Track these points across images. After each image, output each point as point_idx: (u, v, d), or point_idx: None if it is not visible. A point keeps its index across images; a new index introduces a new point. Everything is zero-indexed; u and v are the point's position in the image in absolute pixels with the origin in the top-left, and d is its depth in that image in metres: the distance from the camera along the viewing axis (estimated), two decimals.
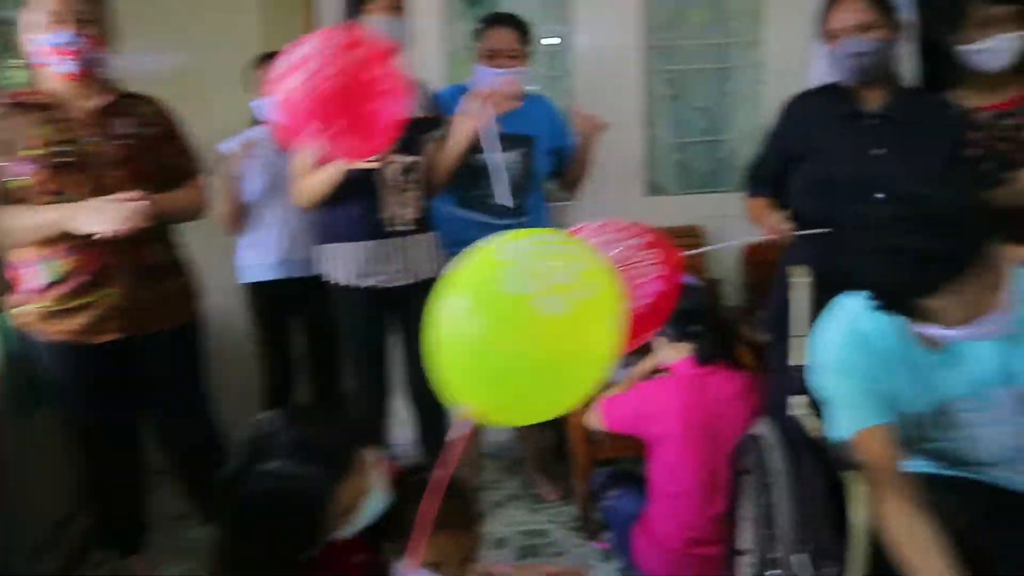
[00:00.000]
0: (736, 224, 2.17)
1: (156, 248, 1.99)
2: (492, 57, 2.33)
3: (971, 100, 2.07)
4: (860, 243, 1.18)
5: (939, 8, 2.25)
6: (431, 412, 2.35)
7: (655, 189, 3.08)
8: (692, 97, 3.08)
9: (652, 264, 1.43)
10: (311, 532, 1.17)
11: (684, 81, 3.06)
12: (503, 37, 2.33)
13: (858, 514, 1.21)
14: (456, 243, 2.47)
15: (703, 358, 2.00)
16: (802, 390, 1.53)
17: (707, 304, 2.11)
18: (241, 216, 2.56)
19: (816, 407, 1.46)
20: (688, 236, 2.88)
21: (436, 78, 2.78)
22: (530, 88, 2.56)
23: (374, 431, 2.30)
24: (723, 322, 2.15)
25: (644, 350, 2.19)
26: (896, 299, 1.16)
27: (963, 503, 1.27)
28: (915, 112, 1.89)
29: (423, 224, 2.22)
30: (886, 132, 1.86)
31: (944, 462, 1.34)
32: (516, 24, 2.37)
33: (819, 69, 2.05)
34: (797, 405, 1.51)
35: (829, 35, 1.90)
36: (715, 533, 1.90)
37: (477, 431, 2.70)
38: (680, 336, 2.03)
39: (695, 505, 1.94)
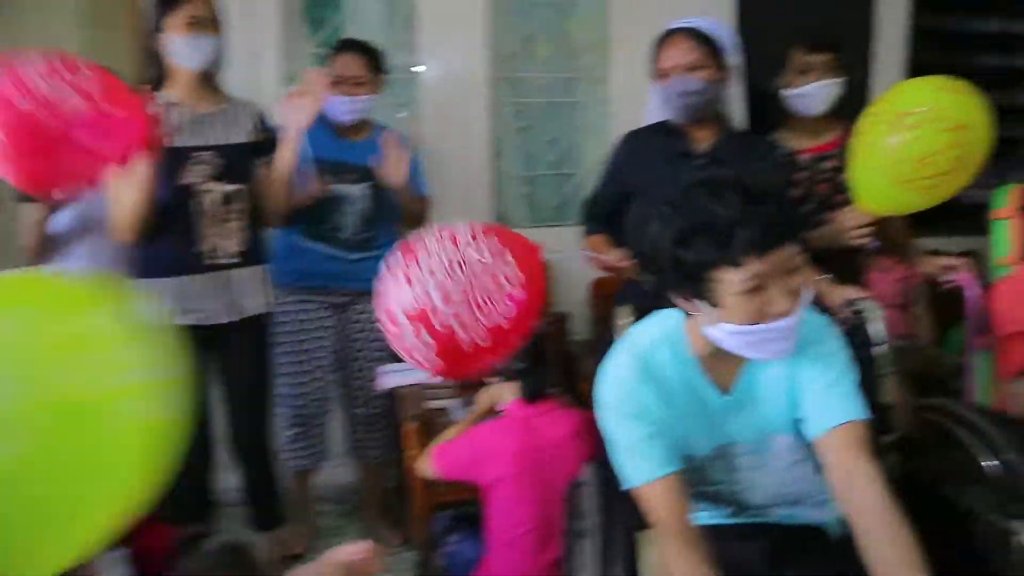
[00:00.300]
0: (583, 258, 2.14)
1: None
2: (338, 84, 2.24)
3: (794, 143, 2.15)
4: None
5: (764, 53, 2.34)
6: (256, 461, 2.19)
7: (502, 221, 3.04)
8: (541, 130, 3.07)
9: (509, 271, 1.37)
10: None
11: (533, 114, 3.05)
12: (350, 64, 2.26)
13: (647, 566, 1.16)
14: (304, 276, 2.36)
15: (529, 396, 1.96)
16: None
17: (533, 340, 2.06)
18: (48, 248, 2.32)
19: None
20: None
21: (275, 99, 2.65)
22: (380, 119, 2.50)
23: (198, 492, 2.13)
24: (549, 358, 2.10)
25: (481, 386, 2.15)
26: (696, 273, 1.10)
27: (745, 549, 1.25)
28: (742, 153, 1.94)
29: (250, 256, 2.08)
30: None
31: (722, 505, 1.32)
32: (364, 51, 2.30)
33: (654, 107, 2.07)
34: None
35: (660, 74, 1.93)
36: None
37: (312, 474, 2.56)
38: (507, 374, 1.99)
39: (530, 551, 1.89)
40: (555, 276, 2.86)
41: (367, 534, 2.59)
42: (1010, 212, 1.98)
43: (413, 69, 2.90)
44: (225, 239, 2.03)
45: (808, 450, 1.25)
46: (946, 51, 3.41)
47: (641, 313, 1.66)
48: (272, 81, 2.68)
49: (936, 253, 2.16)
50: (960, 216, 2.54)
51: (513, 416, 1.97)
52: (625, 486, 1.22)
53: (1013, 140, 3.50)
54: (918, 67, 3.27)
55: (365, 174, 2.32)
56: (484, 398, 2.14)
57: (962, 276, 1.96)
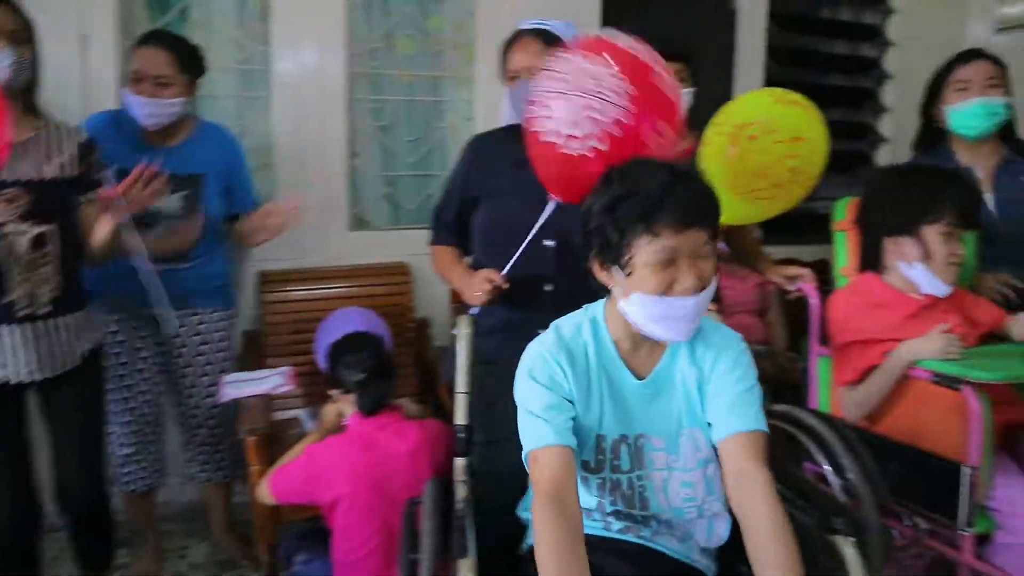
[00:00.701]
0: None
1: None
2: (138, 81, 2.02)
3: None
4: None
5: None
6: (87, 521, 2.00)
7: (360, 224, 2.92)
8: (403, 130, 2.97)
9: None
10: None
11: (395, 112, 2.94)
12: (153, 59, 2.03)
13: None
14: (120, 295, 2.14)
15: (366, 410, 1.88)
16: (464, 452, 1.43)
17: (373, 350, 1.98)
18: None
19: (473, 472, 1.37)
20: (396, 273, 2.78)
21: (107, 88, 2.42)
22: (209, 117, 2.32)
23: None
24: (396, 370, 2.02)
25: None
26: (617, 240, 1.18)
27: (621, 568, 1.23)
28: None
29: (68, 303, 1.82)
30: None
31: (621, 502, 1.29)
32: (173, 46, 2.07)
33: (506, 110, 2.02)
34: (456, 468, 1.40)
35: (509, 76, 1.88)
36: None
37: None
38: (345, 388, 1.91)
39: (375, 571, 1.82)
40: (416, 280, 2.80)
41: (216, 553, 2.46)
42: (846, 225, 2.05)
43: (246, 59, 2.73)
44: (38, 286, 1.76)
45: (711, 451, 1.29)
46: (799, 69, 3.59)
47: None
48: (106, 66, 2.44)
49: (792, 261, 2.21)
50: (815, 226, 2.64)
51: (352, 431, 1.89)
52: (524, 449, 1.23)
53: (857, 155, 3.73)
54: (773, 83, 3.39)
55: (179, 182, 2.10)
56: (330, 411, 2.03)
57: (805, 285, 2.01)
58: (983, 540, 1.63)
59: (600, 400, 1.29)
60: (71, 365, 1.84)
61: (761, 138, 1.77)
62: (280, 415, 2.37)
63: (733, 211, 1.84)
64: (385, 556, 1.81)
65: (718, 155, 1.84)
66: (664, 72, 1.46)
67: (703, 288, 1.18)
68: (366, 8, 2.83)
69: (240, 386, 2.17)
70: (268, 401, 2.17)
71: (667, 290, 1.17)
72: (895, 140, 3.65)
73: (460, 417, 1.45)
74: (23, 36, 1.74)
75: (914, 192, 1.84)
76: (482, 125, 2.83)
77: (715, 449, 1.26)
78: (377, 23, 2.86)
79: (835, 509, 1.23)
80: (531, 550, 1.13)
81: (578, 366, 1.28)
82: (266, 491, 1.89)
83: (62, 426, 1.91)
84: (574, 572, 1.05)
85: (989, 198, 2.14)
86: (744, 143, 1.79)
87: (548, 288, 1.79)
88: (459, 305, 2.75)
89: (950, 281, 1.80)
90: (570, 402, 1.25)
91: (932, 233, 1.79)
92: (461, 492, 1.35)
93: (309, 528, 2.07)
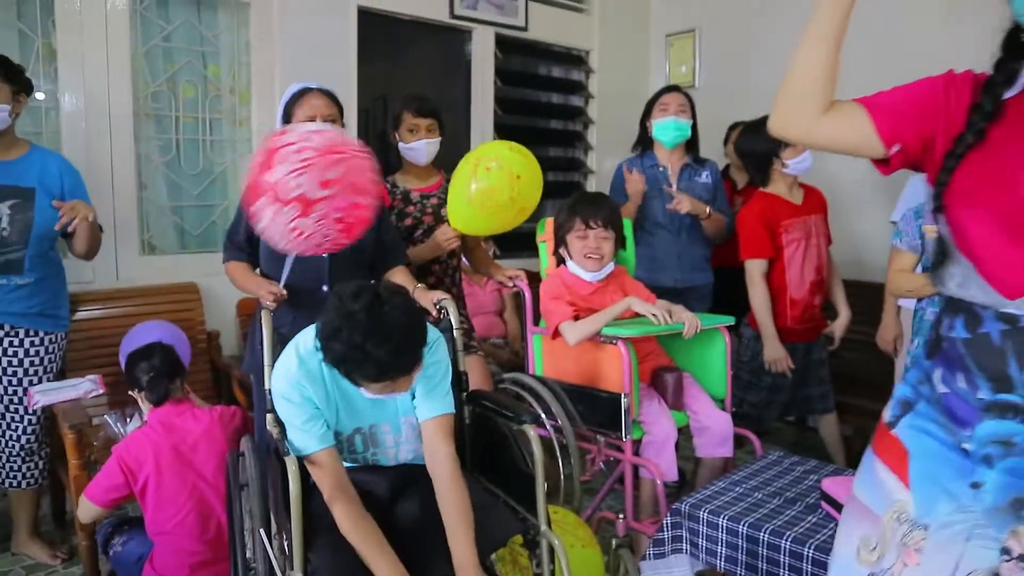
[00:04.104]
0: (228, 282, 2.32)
1: None
2: None
3: (407, 183, 2.72)
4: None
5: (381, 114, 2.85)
6: None
7: (151, 249, 3.22)
8: (186, 164, 3.30)
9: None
10: None
11: (178, 149, 3.27)
12: None
13: (293, 492, 1.54)
14: None
15: (155, 400, 2.23)
16: (272, 408, 1.88)
17: (161, 355, 2.31)
18: None
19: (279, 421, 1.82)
20: (185, 292, 3.10)
21: None
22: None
23: None
24: (179, 365, 2.35)
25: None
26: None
27: (373, 479, 1.73)
28: None
29: None
30: None
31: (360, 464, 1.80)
32: None
33: None
34: (269, 422, 1.86)
35: (305, 119, 2.24)
36: (217, 552, 2.14)
37: None
38: (138, 386, 2.26)
39: (190, 533, 2.13)
40: (204, 298, 3.14)
41: (18, 561, 2.59)
42: (545, 237, 2.77)
43: (38, 96, 2.92)
44: None
45: None
46: (523, 116, 4.37)
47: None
48: None
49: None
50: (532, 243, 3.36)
51: (151, 421, 2.22)
52: (295, 454, 1.58)
53: (573, 184, 4.60)
54: (502, 128, 4.17)
55: (8, 193, 2.33)
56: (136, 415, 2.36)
57: (521, 282, 2.69)
58: (637, 444, 2.38)
59: (333, 406, 1.66)
60: None
61: (494, 170, 2.38)
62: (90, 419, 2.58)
63: (474, 222, 2.46)
64: (198, 518, 2.14)
65: (464, 180, 2.43)
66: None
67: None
68: (149, 56, 3.16)
69: (51, 393, 2.42)
70: (79, 406, 2.41)
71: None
72: (599, 172, 4.57)
73: (268, 382, 1.87)
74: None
75: (563, 210, 2.55)
76: None
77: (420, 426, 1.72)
78: (159, 69, 3.20)
79: (523, 412, 1.82)
80: None
81: (315, 382, 1.62)
82: (87, 505, 2.15)
83: None
84: (370, 533, 1.54)
85: (675, 188, 3.07)
86: (482, 171, 2.40)
87: (325, 289, 2.15)
88: (244, 318, 3.16)
89: (592, 268, 2.48)
90: (318, 410, 1.62)
91: (571, 238, 2.50)
92: (276, 431, 1.79)
93: (121, 517, 2.36)
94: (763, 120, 1.19)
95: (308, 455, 1.61)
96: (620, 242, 2.57)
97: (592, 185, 4.60)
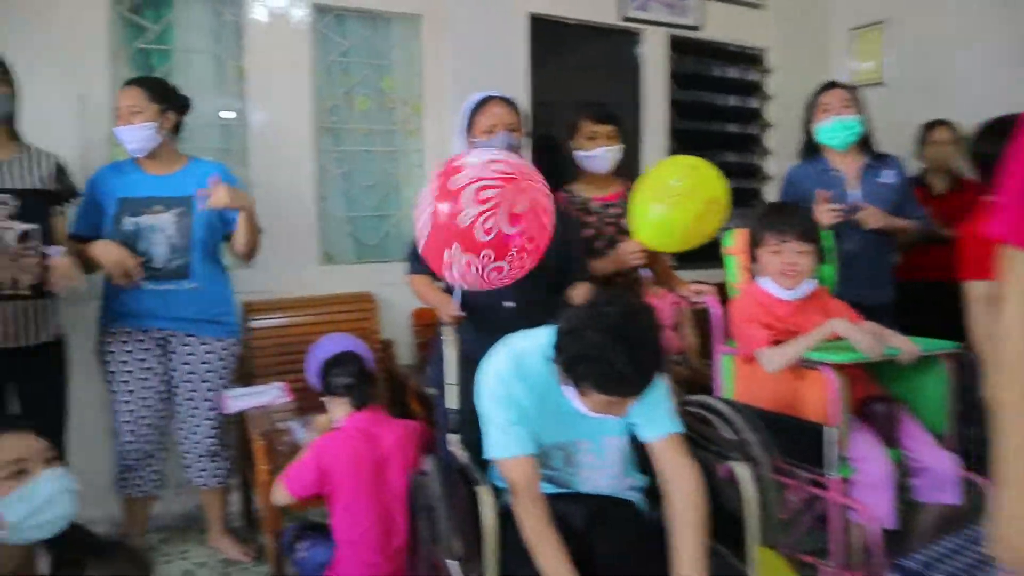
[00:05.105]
0: (403, 291, 2.41)
1: None
2: (120, 117, 2.41)
3: (585, 193, 2.63)
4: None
5: (555, 121, 2.80)
6: None
7: (329, 259, 3.29)
8: (362, 176, 3.36)
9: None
10: None
11: (353, 161, 3.33)
12: (124, 94, 2.42)
13: (488, 523, 1.48)
14: (120, 316, 2.45)
15: (357, 405, 2.25)
16: (456, 429, 1.83)
17: (357, 362, 2.35)
18: None
19: (466, 445, 1.75)
20: (361, 302, 3.14)
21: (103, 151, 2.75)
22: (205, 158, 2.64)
23: None
24: (376, 376, 2.38)
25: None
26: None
27: (569, 509, 1.61)
28: None
29: (41, 290, 2.22)
30: None
31: (557, 486, 1.68)
32: (139, 82, 2.45)
33: None
34: (451, 442, 1.80)
35: (487, 129, 2.23)
36: (396, 568, 2.13)
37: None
38: (336, 392, 2.28)
39: (374, 546, 2.13)
40: (379, 307, 3.17)
41: (216, 553, 2.71)
42: (736, 250, 2.56)
43: (229, 115, 3.09)
44: (21, 273, 2.17)
45: (630, 450, 1.66)
46: (698, 120, 4.15)
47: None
48: (104, 127, 2.74)
49: (697, 283, 2.70)
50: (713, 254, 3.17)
51: (349, 426, 2.24)
52: (489, 454, 1.54)
53: (750, 191, 4.32)
54: (676, 132, 3.98)
55: (170, 203, 2.44)
56: (321, 420, 2.38)
57: (708, 298, 2.50)
58: (845, 482, 2.13)
59: (542, 413, 1.56)
60: (40, 340, 2.26)
61: (687, 192, 2.30)
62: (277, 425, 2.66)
63: (661, 241, 2.39)
64: (383, 531, 2.13)
65: (647, 206, 2.35)
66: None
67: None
68: (327, 72, 3.24)
69: (244, 399, 2.51)
70: (268, 412, 2.50)
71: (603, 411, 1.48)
72: (778, 178, 4.25)
73: (451, 402, 1.83)
74: (3, 78, 2.21)
75: (753, 224, 2.36)
76: (432, 171, 3.25)
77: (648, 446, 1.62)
78: (337, 83, 3.27)
79: (730, 447, 1.68)
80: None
81: (527, 384, 1.55)
82: (282, 491, 2.18)
83: (32, 395, 2.31)
84: (553, 543, 1.45)
85: (857, 194, 2.76)
86: (667, 200, 2.32)
87: (509, 305, 2.12)
88: (419, 328, 3.16)
89: (788, 287, 2.26)
90: (524, 414, 1.54)
91: (764, 253, 2.29)
92: (461, 455, 1.74)
93: (305, 522, 2.40)
94: (1004, 120, 0.99)
95: (505, 458, 1.54)
96: (819, 255, 2.33)
97: (771, 192, 4.31)
